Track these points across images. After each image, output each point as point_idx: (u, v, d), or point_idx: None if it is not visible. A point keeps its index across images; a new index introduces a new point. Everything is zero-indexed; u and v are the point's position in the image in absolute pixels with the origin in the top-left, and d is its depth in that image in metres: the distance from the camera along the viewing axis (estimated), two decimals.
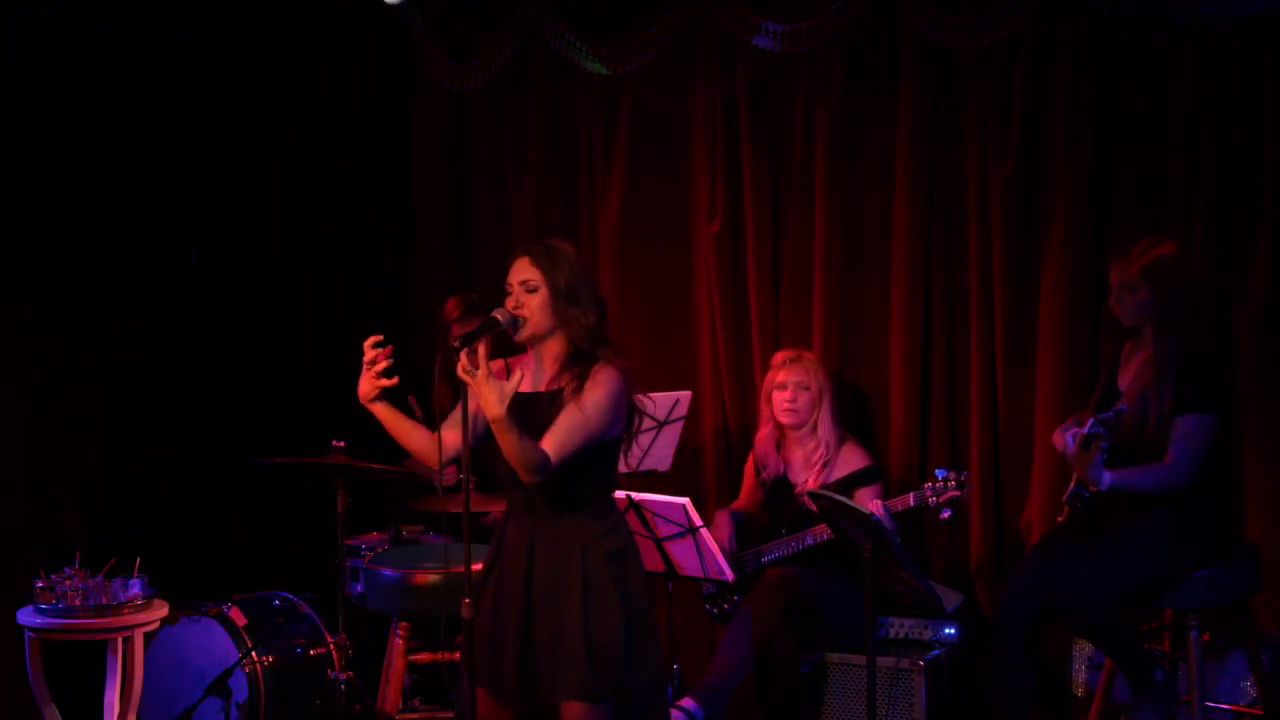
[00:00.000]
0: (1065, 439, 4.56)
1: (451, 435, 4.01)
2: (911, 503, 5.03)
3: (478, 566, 3.93)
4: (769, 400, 5.41)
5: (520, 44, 6.08)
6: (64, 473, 6.07)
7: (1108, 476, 4.50)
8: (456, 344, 3.79)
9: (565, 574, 3.88)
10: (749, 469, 5.59)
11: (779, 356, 5.43)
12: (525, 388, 3.95)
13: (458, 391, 3.82)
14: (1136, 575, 4.59)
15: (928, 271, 5.63)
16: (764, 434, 5.49)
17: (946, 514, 5.02)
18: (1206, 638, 4.74)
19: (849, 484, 5.25)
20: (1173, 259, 4.68)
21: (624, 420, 3.96)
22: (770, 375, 5.43)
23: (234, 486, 6.63)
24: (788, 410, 5.34)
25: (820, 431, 5.32)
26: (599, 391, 3.87)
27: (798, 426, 5.35)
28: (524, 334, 3.93)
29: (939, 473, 5.01)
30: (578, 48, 5.93)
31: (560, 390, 3.91)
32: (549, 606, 3.89)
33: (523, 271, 3.92)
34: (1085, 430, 4.44)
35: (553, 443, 3.83)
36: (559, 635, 3.87)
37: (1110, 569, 4.57)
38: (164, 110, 6.42)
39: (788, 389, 5.33)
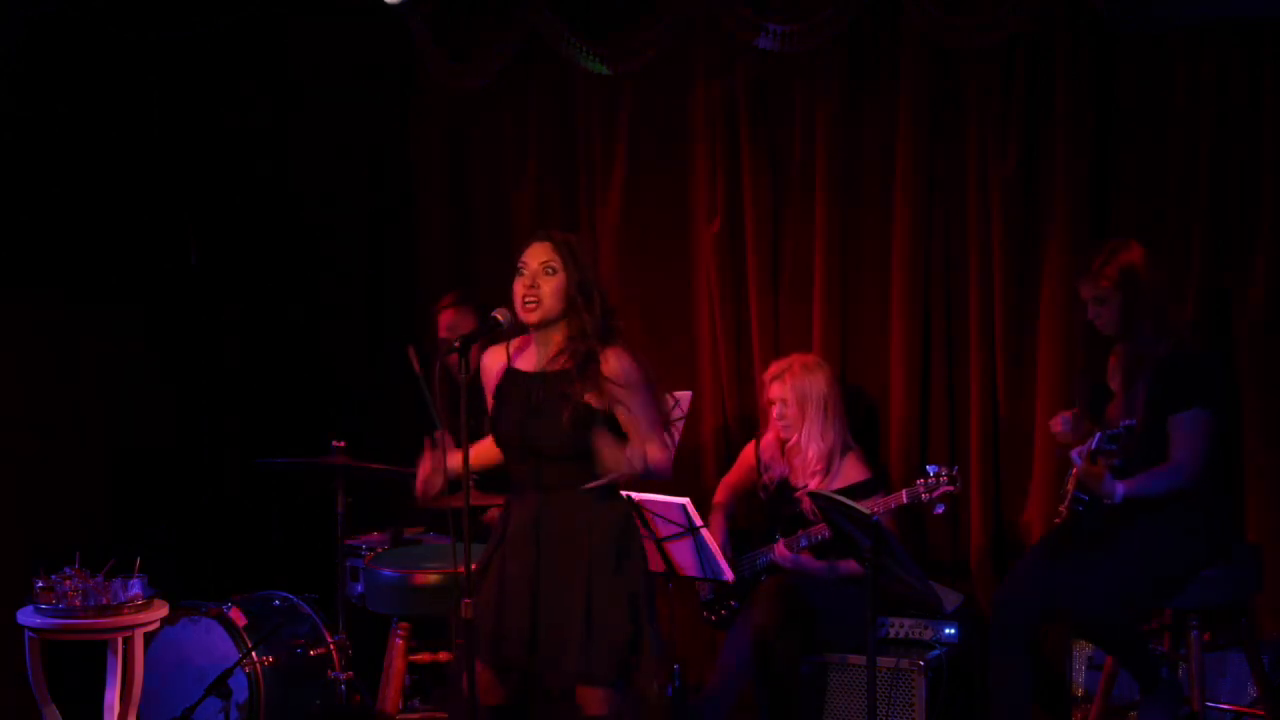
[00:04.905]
0: (1071, 455, 4.56)
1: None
2: (905, 500, 5.02)
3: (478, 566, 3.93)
4: (768, 409, 5.42)
5: (520, 44, 6.08)
6: (64, 472, 6.06)
7: (1120, 489, 4.51)
8: (458, 344, 3.79)
9: (572, 551, 3.88)
10: (748, 453, 5.56)
11: (770, 370, 5.40)
12: (527, 368, 3.96)
13: (455, 390, 3.83)
14: (1150, 581, 4.59)
15: (928, 271, 5.63)
16: (769, 439, 5.48)
17: (940, 509, 5.02)
18: (1207, 638, 4.74)
19: (846, 496, 5.24)
20: (1140, 263, 4.65)
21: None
22: (765, 388, 5.42)
23: (234, 486, 6.62)
24: (778, 425, 5.35)
25: (807, 442, 5.29)
26: (621, 362, 3.88)
27: (789, 438, 5.35)
28: (534, 316, 3.90)
29: (930, 469, 5.00)
30: (578, 48, 5.92)
31: (566, 370, 3.89)
32: (555, 582, 3.89)
33: (543, 254, 3.92)
34: (1093, 446, 4.44)
35: (641, 439, 3.89)
36: (566, 614, 3.87)
37: (1123, 579, 4.56)
38: (164, 110, 6.41)
39: (774, 405, 5.34)
